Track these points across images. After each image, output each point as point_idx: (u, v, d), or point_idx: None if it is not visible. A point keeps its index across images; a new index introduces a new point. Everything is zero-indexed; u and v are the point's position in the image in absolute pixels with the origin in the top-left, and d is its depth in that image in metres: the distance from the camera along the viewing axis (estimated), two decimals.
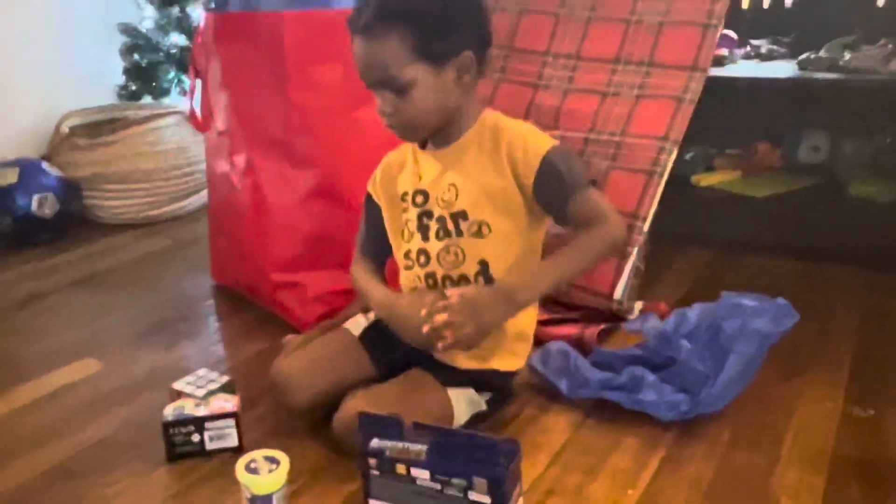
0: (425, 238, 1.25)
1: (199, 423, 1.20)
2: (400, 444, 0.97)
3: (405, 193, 1.28)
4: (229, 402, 1.24)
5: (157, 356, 1.58)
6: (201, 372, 1.36)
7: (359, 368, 1.30)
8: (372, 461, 0.99)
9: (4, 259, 2.17)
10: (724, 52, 2.19)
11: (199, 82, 1.79)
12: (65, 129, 2.46)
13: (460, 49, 1.16)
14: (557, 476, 1.15)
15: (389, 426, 0.98)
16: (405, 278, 1.30)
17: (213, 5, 1.83)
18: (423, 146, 1.28)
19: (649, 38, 1.70)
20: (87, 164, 2.38)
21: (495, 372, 1.26)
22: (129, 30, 2.58)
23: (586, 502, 1.10)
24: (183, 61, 2.57)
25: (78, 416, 1.37)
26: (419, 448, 0.96)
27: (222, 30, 1.66)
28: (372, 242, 1.36)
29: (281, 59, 1.55)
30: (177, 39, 2.59)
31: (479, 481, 0.93)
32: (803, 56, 2.15)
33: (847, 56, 2.07)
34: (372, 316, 1.34)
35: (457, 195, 1.22)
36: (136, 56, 2.58)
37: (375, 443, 0.99)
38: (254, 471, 1.00)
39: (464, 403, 1.23)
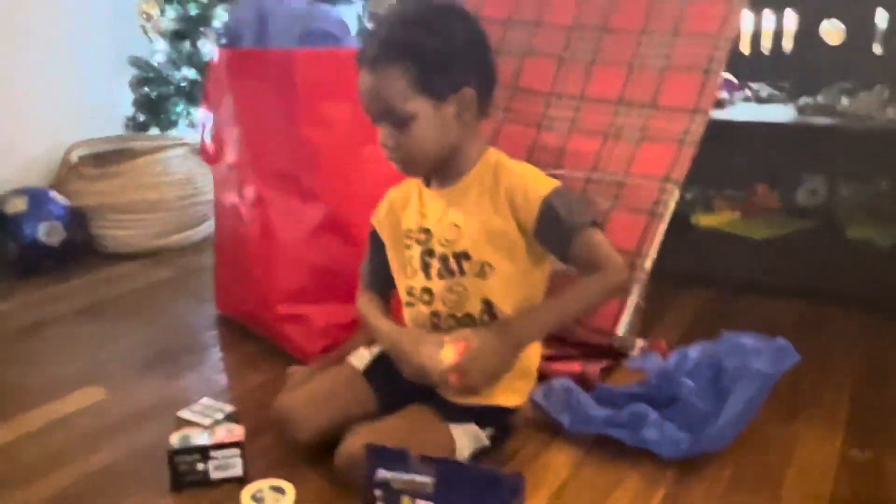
0: (427, 276, 1.26)
1: (204, 452, 1.21)
2: (406, 476, 0.98)
3: (409, 230, 1.30)
4: (234, 432, 1.25)
5: (161, 385, 1.59)
6: (206, 401, 1.37)
7: (362, 403, 1.31)
8: (377, 492, 1.00)
9: (11, 287, 2.18)
10: (725, 95, 2.23)
11: (209, 115, 1.82)
12: (73, 158, 2.49)
13: (461, 85, 1.19)
14: None
15: (396, 458, 0.99)
16: (408, 315, 1.32)
17: (224, 41, 1.86)
18: (427, 183, 1.30)
19: (652, 82, 1.74)
20: (94, 194, 2.40)
21: (498, 408, 1.27)
22: (139, 63, 2.62)
23: None
24: (192, 94, 2.61)
25: (82, 444, 1.38)
26: (426, 480, 0.97)
27: (235, 65, 1.70)
28: (376, 277, 1.38)
29: (291, 96, 1.59)
30: (187, 73, 2.64)
31: None
32: (802, 100, 2.19)
33: (845, 101, 2.12)
34: (375, 349, 1.35)
35: (459, 235, 1.23)
36: (145, 88, 2.62)
37: (381, 474, 0.99)
38: (259, 500, 1.01)
39: (466, 439, 1.23)
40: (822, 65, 2.34)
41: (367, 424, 1.23)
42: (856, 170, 2.32)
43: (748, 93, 2.36)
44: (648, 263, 1.61)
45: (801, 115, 2.16)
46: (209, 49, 2.57)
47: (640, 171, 1.68)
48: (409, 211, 1.31)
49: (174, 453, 1.21)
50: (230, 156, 1.75)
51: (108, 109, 2.71)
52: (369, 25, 2.27)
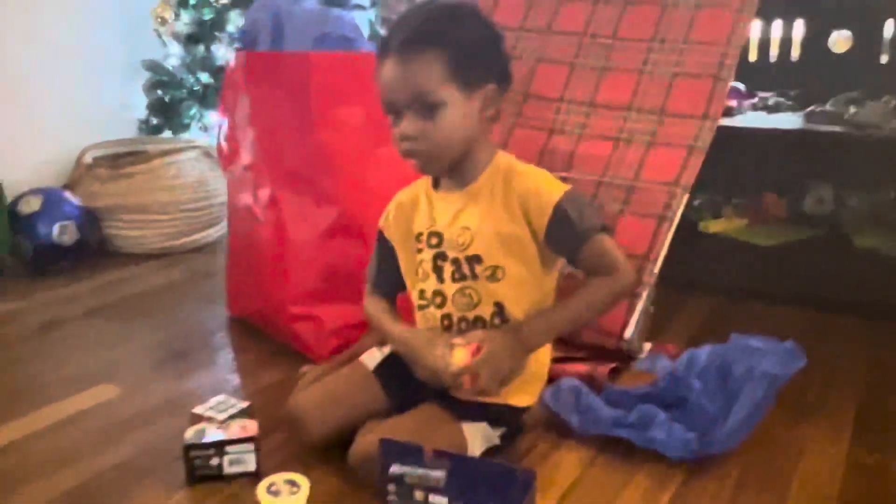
0: (440, 280, 1.27)
1: (219, 447, 1.23)
2: (419, 471, 1.00)
3: (419, 234, 1.31)
4: (248, 428, 1.26)
5: (174, 384, 1.61)
6: (221, 398, 1.39)
7: (374, 402, 1.32)
8: (391, 486, 1.01)
9: (25, 286, 2.21)
10: (733, 103, 2.25)
11: (224, 117, 1.84)
12: (87, 159, 2.52)
13: (488, 80, 1.22)
14: None
15: (410, 453, 1.01)
16: (420, 318, 1.33)
17: (238, 45, 1.89)
18: (435, 186, 1.32)
19: (662, 89, 1.76)
20: (108, 195, 2.43)
21: (508, 407, 1.28)
22: (153, 66, 2.65)
23: None
24: (205, 98, 2.64)
25: (96, 441, 1.39)
26: (438, 475, 0.99)
27: (251, 67, 1.72)
28: (384, 279, 1.39)
29: (306, 99, 1.61)
30: (200, 77, 2.66)
31: None
32: (809, 109, 2.21)
33: (852, 110, 2.13)
34: (387, 349, 1.36)
35: (471, 239, 1.24)
36: (159, 92, 2.65)
37: (395, 468, 1.01)
38: (275, 493, 1.02)
39: (477, 438, 1.24)
40: (829, 74, 2.36)
41: (380, 422, 1.25)
42: (863, 179, 2.34)
43: (756, 101, 2.38)
44: (657, 267, 1.63)
45: (808, 123, 2.17)
46: (223, 53, 2.59)
47: (650, 176, 1.69)
48: (419, 214, 1.32)
49: (189, 448, 1.23)
50: (245, 157, 1.77)
51: (122, 112, 2.75)
52: (382, 31, 2.29)
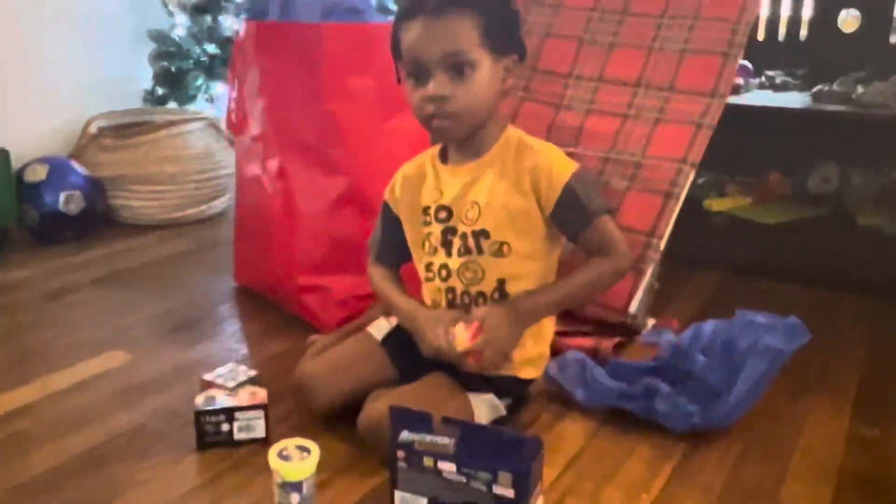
0: (448, 254, 1.28)
1: (229, 413, 1.25)
2: (428, 438, 1.01)
3: (427, 208, 1.31)
4: (258, 395, 1.28)
5: (184, 352, 1.63)
6: (230, 365, 1.40)
7: (381, 372, 1.33)
8: (400, 453, 1.03)
9: (31, 254, 2.22)
10: (740, 81, 2.25)
11: (234, 87, 1.84)
12: (93, 129, 2.51)
13: (513, 48, 1.23)
14: (574, 480, 1.19)
15: (419, 420, 1.02)
16: (427, 290, 1.34)
17: (247, 15, 1.88)
18: (443, 160, 1.32)
19: (670, 65, 1.76)
20: (113, 165, 2.43)
21: (515, 379, 1.30)
22: (159, 37, 2.64)
23: None
24: (212, 69, 2.63)
25: (108, 405, 1.41)
26: (447, 442, 1.00)
27: (261, 38, 1.71)
28: (389, 250, 1.40)
29: (316, 70, 1.61)
30: (206, 48, 2.65)
31: (504, 475, 0.97)
32: (816, 88, 2.21)
33: (859, 90, 2.13)
34: (394, 320, 1.38)
35: (479, 213, 1.25)
36: (165, 62, 2.64)
37: (405, 435, 1.03)
38: (286, 458, 1.04)
39: (484, 408, 1.26)
40: (837, 53, 2.36)
41: (388, 391, 1.27)
42: (868, 158, 2.34)
43: (763, 79, 2.38)
44: (663, 243, 1.64)
45: (815, 102, 2.18)
46: (229, 24, 2.58)
47: (657, 153, 1.70)
48: (426, 188, 1.32)
49: (200, 414, 1.24)
50: (254, 128, 1.77)
51: (128, 83, 2.74)
52: (391, 4, 2.28)
